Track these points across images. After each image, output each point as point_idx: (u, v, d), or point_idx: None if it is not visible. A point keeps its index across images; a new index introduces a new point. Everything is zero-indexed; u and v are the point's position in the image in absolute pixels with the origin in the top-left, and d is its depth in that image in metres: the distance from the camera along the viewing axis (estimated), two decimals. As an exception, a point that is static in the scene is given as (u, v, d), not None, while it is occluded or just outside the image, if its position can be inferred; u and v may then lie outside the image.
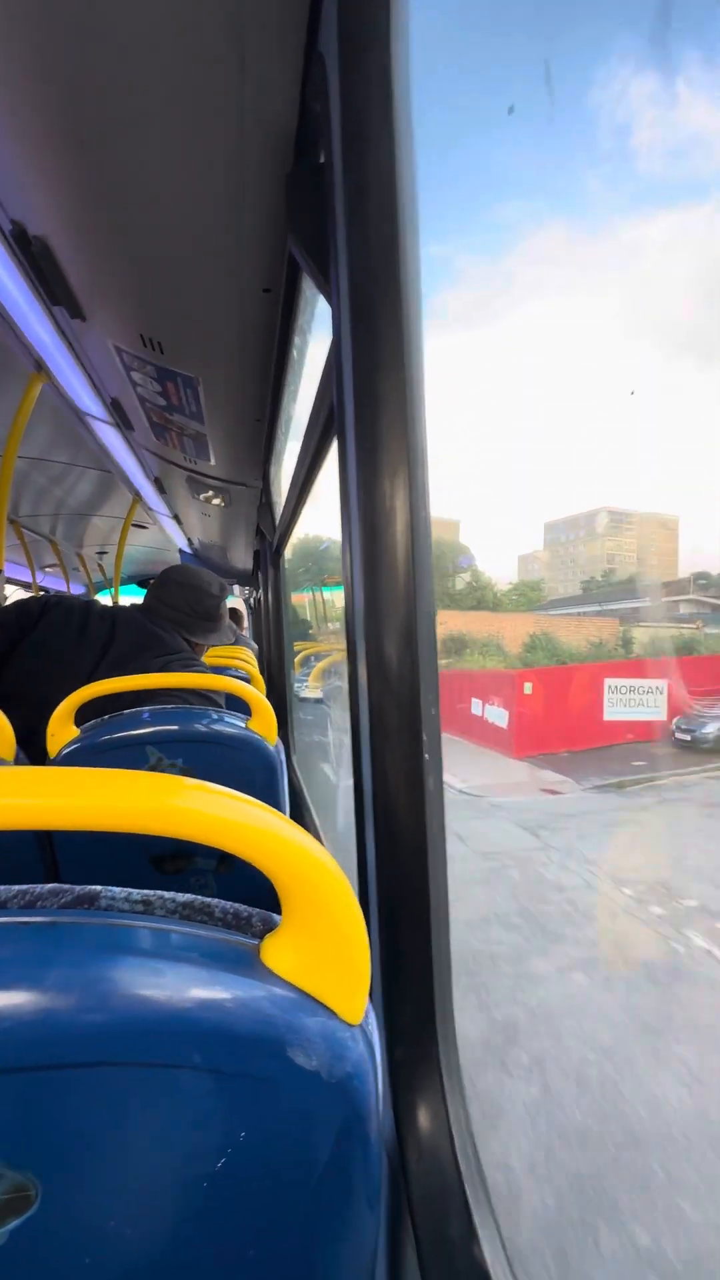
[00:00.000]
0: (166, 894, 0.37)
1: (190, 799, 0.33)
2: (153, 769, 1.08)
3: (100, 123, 0.86)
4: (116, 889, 0.36)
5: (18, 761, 0.99)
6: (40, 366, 1.80)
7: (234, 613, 4.14)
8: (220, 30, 0.68)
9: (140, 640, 1.37)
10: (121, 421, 2.21)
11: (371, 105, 0.52)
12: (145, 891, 0.37)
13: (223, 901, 0.38)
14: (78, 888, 0.36)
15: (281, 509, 2.12)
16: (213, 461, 2.25)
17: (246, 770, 1.12)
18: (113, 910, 0.35)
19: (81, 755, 1.05)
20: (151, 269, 1.19)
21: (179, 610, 1.47)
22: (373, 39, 0.52)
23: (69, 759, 1.05)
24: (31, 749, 1.11)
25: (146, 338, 1.44)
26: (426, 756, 0.51)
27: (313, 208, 0.70)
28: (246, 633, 4.59)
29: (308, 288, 1.09)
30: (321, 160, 0.73)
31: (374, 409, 0.52)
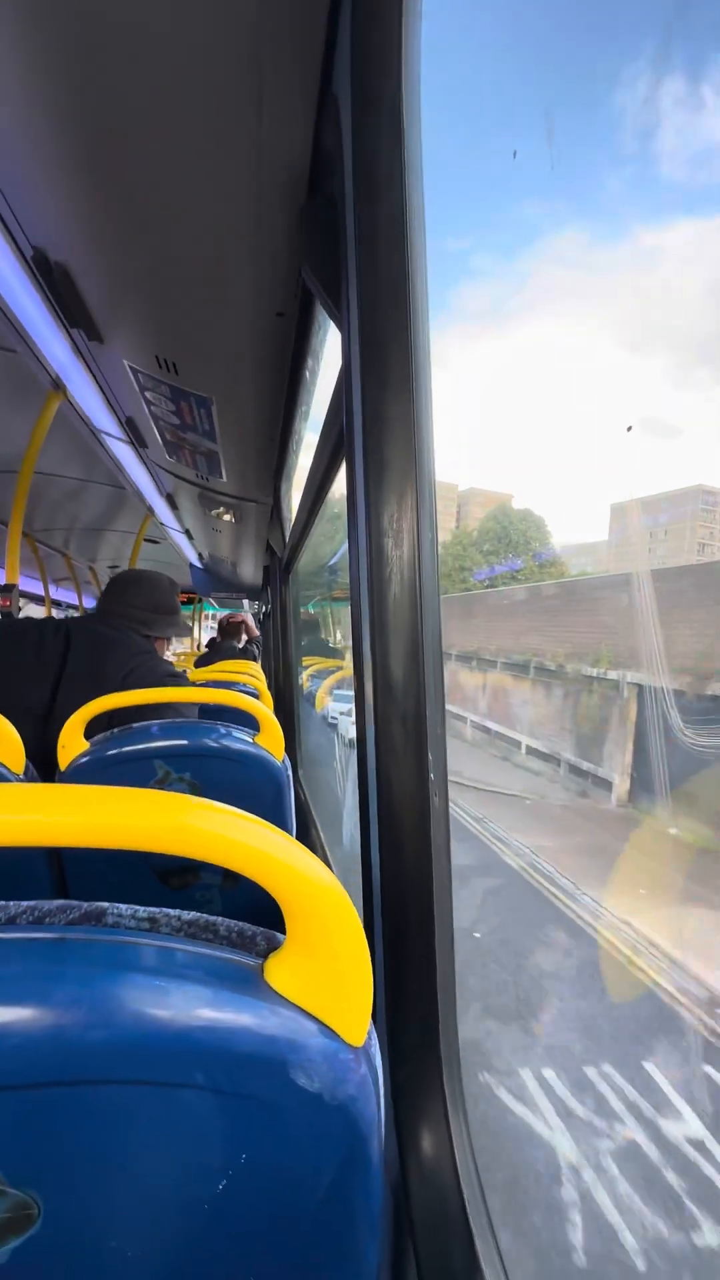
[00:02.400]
0: (172, 911, 0.37)
1: (196, 818, 0.33)
2: (160, 783, 1.09)
3: (122, 155, 0.89)
4: (124, 906, 0.37)
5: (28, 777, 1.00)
6: (58, 385, 1.84)
7: (238, 626, 4.02)
8: (238, 71, 0.71)
9: (97, 644, 1.38)
10: (135, 439, 2.25)
11: (382, 145, 0.54)
12: (151, 909, 0.37)
13: (228, 920, 0.38)
14: (85, 904, 0.36)
15: (291, 526, 2.14)
16: (224, 478, 2.29)
17: (254, 786, 1.12)
18: (119, 928, 0.36)
19: (91, 768, 1.06)
20: (168, 294, 1.22)
21: (135, 608, 1.48)
22: (384, 81, 0.54)
23: (78, 772, 1.06)
24: None
25: (161, 359, 1.47)
26: (432, 776, 0.52)
27: (325, 239, 0.72)
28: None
29: (320, 312, 1.11)
30: (334, 194, 0.75)
31: (382, 433, 0.53)
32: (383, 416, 0.53)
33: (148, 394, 1.74)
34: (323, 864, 0.36)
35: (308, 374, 1.34)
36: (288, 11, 0.64)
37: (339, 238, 0.63)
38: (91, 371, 1.74)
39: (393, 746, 0.53)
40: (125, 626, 1.45)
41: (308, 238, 0.76)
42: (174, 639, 1.69)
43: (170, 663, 1.52)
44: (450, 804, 0.54)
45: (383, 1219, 0.38)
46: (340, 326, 0.67)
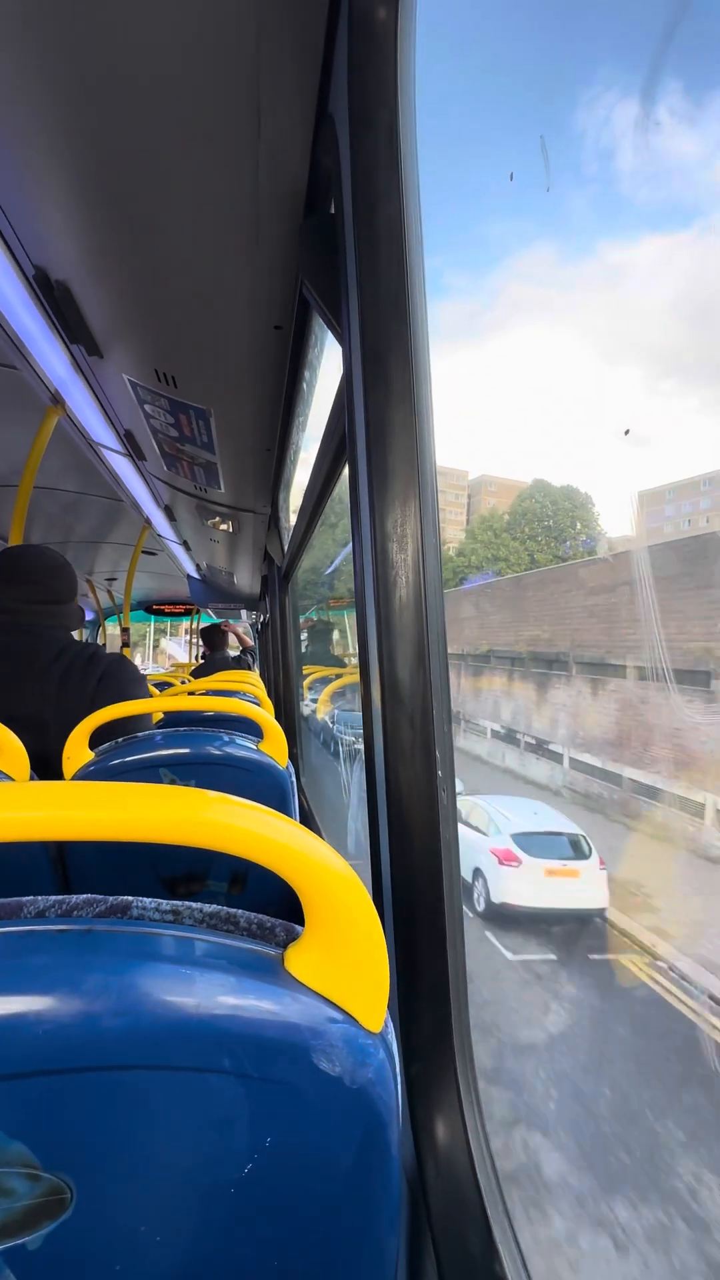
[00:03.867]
0: (194, 904, 0.38)
1: (219, 812, 0.35)
2: None
3: (123, 175, 0.91)
4: (148, 900, 0.38)
5: None
6: (57, 400, 1.86)
7: (224, 635, 4.05)
8: (237, 92, 0.73)
9: (17, 658, 1.24)
10: (134, 452, 2.27)
11: (380, 163, 0.56)
12: (175, 902, 0.38)
13: (247, 912, 0.39)
14: (110, 898, 0.37)
15: (291, 534, 2.16)
16: (222, 489, 2.31)
17: (258, 792, 1.13)
18: (144, 919, 0.37)
19: (96, 778, 1.06)
20: (167, 309, 1.25)
21: (37, 604, 1.26)
22: (381, 103, 0.56)
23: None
24: None
25: (161, 372, 1.49)
26: (440, 773, 0.53)
27: (324, 254, 0.74)
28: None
29: (317, 325, 1.13)
30: (333, 210, 0.78)
31: (385, 440, 0.55)
32: (385, 424, 0.55)
33: (146, 407, 1.76)
34: (339, 855, 0.37)
35: (305, 385, 1.36)
36: (285, 36, 0.66)
37: (338, 252, 0.65)
38: (91, 386, 1.76)
39: (400, 745, 0.54)
40: (40, 628, 1.27)
41: (307, 253, 0.79)
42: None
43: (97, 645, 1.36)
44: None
45: (401, 1208, 0.38)
46: (340, 339, 0.69)
